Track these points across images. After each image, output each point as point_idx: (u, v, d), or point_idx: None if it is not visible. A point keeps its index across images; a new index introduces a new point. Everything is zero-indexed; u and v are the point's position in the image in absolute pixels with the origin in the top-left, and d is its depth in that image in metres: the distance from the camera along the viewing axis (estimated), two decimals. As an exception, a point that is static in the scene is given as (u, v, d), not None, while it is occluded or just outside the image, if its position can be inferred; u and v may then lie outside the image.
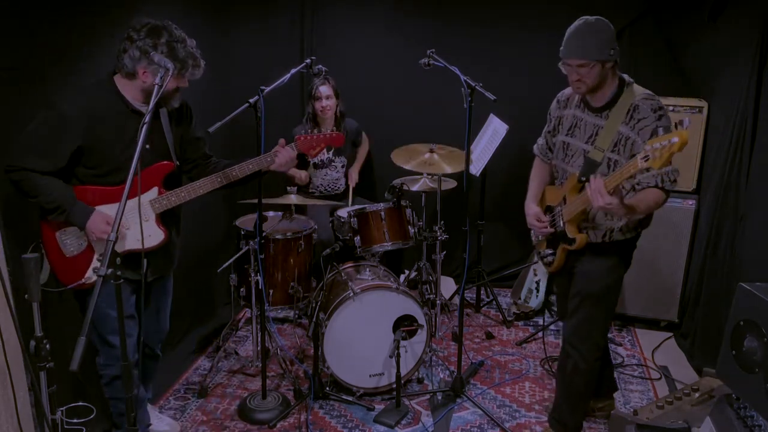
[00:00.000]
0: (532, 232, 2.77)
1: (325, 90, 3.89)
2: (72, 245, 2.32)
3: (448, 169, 3.66)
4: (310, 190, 4.11)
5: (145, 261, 2.33)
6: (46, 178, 2.21)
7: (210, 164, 2.63)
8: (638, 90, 2.41)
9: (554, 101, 2.68)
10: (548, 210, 2.67)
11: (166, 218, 2.44)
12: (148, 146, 2.00)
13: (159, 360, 2.84)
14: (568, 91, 2.61)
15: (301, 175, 3.93)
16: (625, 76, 2.44)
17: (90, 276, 2.31)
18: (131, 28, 2.22)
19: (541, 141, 2.79)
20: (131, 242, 2.35)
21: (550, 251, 2.66)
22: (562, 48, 2.39)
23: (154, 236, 2.40)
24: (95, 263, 2.32)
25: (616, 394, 3.06)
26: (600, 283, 2.53)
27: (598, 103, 2.46)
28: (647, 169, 2.08)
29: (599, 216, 2.47)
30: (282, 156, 2.57)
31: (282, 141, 2.61)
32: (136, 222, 2.31)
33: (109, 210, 2.29)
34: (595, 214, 2.48)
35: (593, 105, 2.47)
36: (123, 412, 2.49)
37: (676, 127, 2.11)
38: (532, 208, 2.70)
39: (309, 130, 2.70)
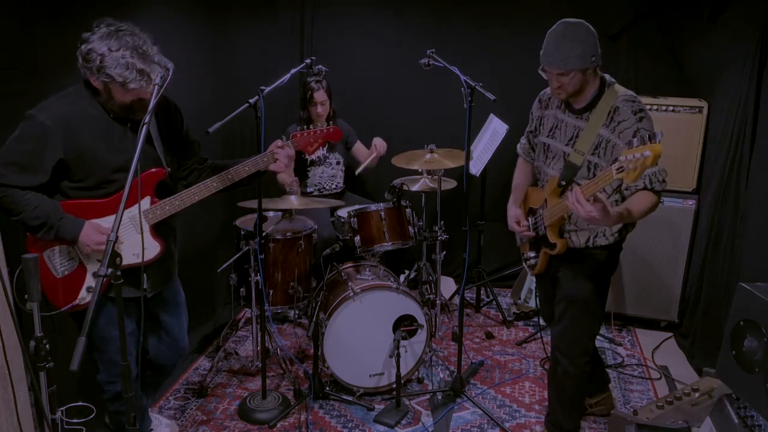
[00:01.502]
0: (516, 234, 2.75)
1: (320, 96, 3.86)
2: (62, 265, 2.19)
3: (449, 164, 3.65)
4: (308, 189, 4.10)
5: (145, 275, 2.23)
6: (28, 193, 2.08)
7: (206, 168, 2.50)
8: (620, 90, 2.36)
9: (536, 100, 2.64)
10: (531, 212, 2.65)
11: (161, 229, 2.32)
12: (136, 142, 1.90)
13: (170, 375, 2.78)
14: (550, 90, 2.55)
15: (290, 181, 3.87)
16: (607, 77, 2.40)
17: (84, 296, 2.21)
18: (87, 31, 2.08)
19: (523, 141, 2.78)
20: (127, 257, 2.18)
21: (533, 254, 2.65)
22: (542, 53, 2.33)
23: (150, 249, 2.27)
24: (89, 281, 2.21)
25: (615, 394, 3.06)
26: (585, 288, 2.50)
27: (578, 104, 2.42)
28: (621, 180, 2.04)
29: (581, 220, 2.41)
30: (282, 157, 2.46)
31: (278, 141, 2.51)
32: (130, 235, 2.22)
33: (100, 224, 2.19)
34: (577, 218, 2.43)
35: (574, 107, 2.44)
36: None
37: (651, 138, 2.02)
38: (512, 210, 2.69)
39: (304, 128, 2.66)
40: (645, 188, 2.26)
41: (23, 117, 2.09)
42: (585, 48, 2.26)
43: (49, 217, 2.09)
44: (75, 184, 2.17)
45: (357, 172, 3.95)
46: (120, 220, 1.76)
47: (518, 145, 2.80)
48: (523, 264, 2.76)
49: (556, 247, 2.48)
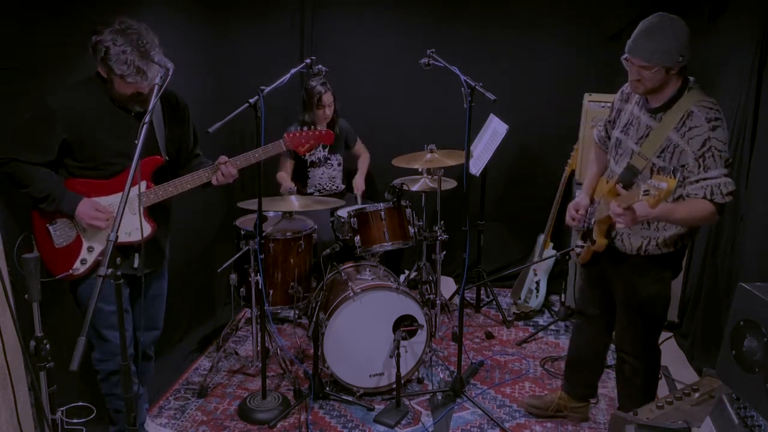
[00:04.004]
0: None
1: (328, 98, 3.90)
2: (61, 236, 2.35)
3: (449, 162, 3.65)
4: (308, 190, 4.11)
5: (136, 255, 2.38)
6: (38, 169, 2.27)
7: (195, 165, 2.63)
8: (699, 95, 2.25)
9: (618, 92, 2.55)
10: (592, 202, 2.61)
11: (153, 212, 2.47)
12: (136, 141, 2.01)
13: (152, 361, 2.82)
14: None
15: (287, 186, 3.86)
16: (691, 79, 2.29)
17: (77, 267, 2.35)
18: (92, 29, 2.22)
19: (601, 129, 2.69)
20: (120, 235, 2.33)
21: (581, 243, 2.64)
22: (629, 41, 2.24)
23: (142, 229, 2.42)
24: (83, 255, 2.37)
25: (616, 394, 3.06)
26: (639, 294, 2.49)
27: (655, 103, 2.32)
28: (647, 201, 2.00)
29: (635, 227, 2.37)
30: (221, 174, 2.54)
31: (223, 157, 2.57)
32: (124, 216, 2.32)
33: (98, 201, 2.34)
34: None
35: (650, 105, 2.34)
36: (119, 408, 2.52)
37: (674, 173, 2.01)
38: (579, 198, 2.64)
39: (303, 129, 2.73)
40: (704, 198, 2.19)
41: (35, 100, 2.26)
42: (674, 45, 2.17)
43: (53, 191, 2.28)
44: (78, 163, 2.34)
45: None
46: (120, 220, 1.80)
47: (595, 133, 2.72)
48: (573, 249, 2.73)
49: (594, 244, 2.48)
